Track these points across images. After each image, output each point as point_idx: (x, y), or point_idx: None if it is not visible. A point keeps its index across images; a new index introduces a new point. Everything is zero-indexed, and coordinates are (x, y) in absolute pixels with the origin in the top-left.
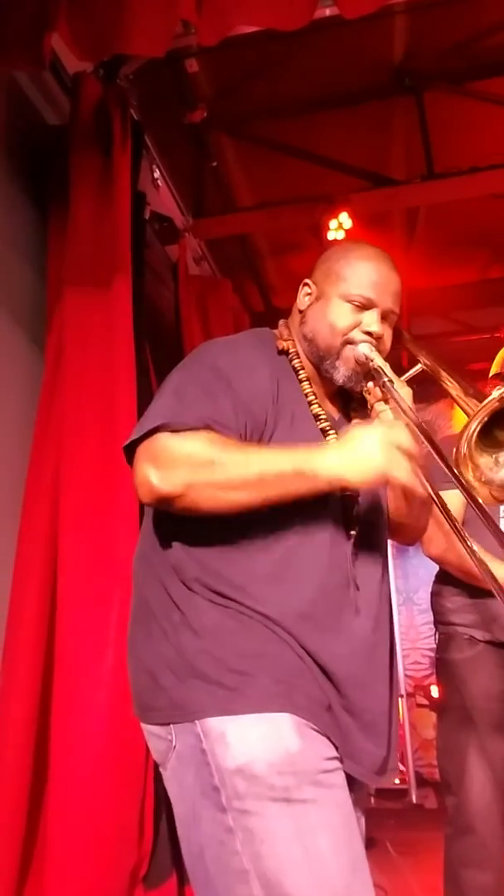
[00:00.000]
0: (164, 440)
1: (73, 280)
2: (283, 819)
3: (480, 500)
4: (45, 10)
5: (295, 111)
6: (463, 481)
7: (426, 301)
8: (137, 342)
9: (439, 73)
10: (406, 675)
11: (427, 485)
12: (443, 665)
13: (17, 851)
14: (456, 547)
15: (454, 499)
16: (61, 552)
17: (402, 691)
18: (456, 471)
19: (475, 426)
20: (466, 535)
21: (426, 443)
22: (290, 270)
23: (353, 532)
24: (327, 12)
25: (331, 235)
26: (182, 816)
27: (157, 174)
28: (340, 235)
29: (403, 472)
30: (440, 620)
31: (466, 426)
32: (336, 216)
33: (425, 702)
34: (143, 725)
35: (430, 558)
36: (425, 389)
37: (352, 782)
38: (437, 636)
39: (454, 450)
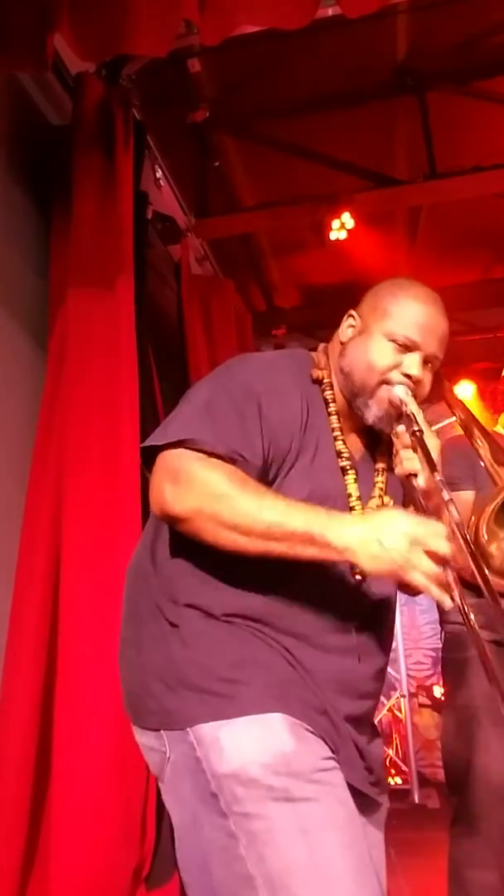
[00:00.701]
0: (188, 460)
1: (76, 280)
2: (286, 818)
3: (487, 573)
4: (47, 11)
5: (297, 111)
6: (477, 558)
7: None
8: (140, 342)
9: (442, 72)
10: (408, 675)
11: (456, 595)
12: (448, 664)
13: (20, 851)
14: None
15: (460, 505)
16: (64, 552)
17: (405, 691)
18: (472, 538)
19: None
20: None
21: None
22: (293, 270)
23: (358, 577)
24: (329, 12)
25: (333, 235)
26: (181, 826)
27: (159, 174)
28: (343, 235)
29: (421, 578)
30: (445, 620)
31: (493, 498)
32: (339, 216)
33: (427, 702)
34: (138, 738)
35: None
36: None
37: (364, 799)
38: (442, 635)
39: (472, 518)
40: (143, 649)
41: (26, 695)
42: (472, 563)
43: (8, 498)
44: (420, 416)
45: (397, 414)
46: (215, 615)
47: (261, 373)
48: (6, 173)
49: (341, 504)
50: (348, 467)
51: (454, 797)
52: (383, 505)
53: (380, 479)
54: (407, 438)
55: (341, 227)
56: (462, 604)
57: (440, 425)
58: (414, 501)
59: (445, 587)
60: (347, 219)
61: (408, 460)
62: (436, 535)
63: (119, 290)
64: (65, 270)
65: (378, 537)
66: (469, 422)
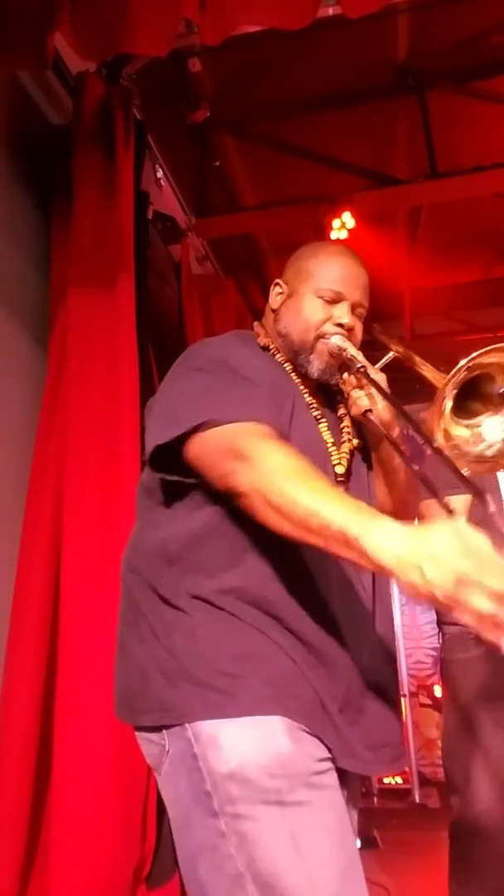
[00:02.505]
0: (237, 436)
1: (77, 280)
2: (277, 822)
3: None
4: (48, 10)
5: (298, 110)
6: (438, 446)
7: (429, 300)
8: (140, 342)
9: (442, 71)
10: (409, 675)
11: None
12: (447, 665)
13: (20, 850)
14: None
15: (458, 503)
16: (64, 552)
17: (405, 691)
18: (433, 442)
19: (449, 395)
20: None
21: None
22: None
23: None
24: (330, 11)
25: (334, 235)
26: (176, 821)
27: (159, 174)
28: (343, 235)
29: (470, 618)
30: (443, 620)
31: (439, 398)
32: (339, 215)
33: (428, 701)
34: (136, 732)
35: None
36: (419, 393)
37: (344, 777)
38: (440, 636)
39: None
40: (145, 644)
41: (27, 695)
42: (427, 443)
43: (8, 498)
44: (361, 356)
45: (339, 363)
46: (217, 603)
47: (224, 348)
48: (6, 173)
49: (320, 452)
50: (320, 416)
51: (454, 796)
52: (354, 448)
53: (345, 424)
54: (354, 380)
55: (342, 226)
56: None
57: (382, 363)
58: (377, 438)
59: (498, 626)
60: (348, 218)
61: (360, 398)
62: (490, 569)
63: (119, 290)
64: (65, 270)
65: (420, 563)
66: (406, 351)
